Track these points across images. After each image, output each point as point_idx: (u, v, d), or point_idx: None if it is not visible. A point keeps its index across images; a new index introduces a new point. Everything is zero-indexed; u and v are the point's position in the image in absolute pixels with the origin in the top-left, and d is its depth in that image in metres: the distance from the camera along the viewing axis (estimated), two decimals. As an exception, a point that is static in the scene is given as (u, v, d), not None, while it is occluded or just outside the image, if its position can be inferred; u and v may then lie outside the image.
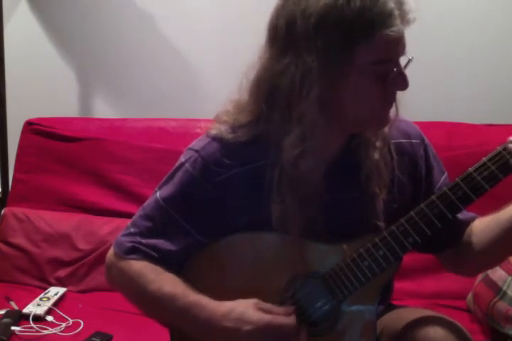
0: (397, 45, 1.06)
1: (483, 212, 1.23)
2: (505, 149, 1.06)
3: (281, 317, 1.10)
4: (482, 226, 1.20)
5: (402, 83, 1.08)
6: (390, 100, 1.11)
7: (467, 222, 1.23)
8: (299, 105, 1.07)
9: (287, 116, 1.09)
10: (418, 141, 1.24)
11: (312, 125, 1.07)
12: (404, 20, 1.05)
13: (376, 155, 1.17)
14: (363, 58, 1.04)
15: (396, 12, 1.03)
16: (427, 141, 1.26)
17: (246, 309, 1.10)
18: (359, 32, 1.03)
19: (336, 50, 1.03)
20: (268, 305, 1.11)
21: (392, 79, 1.07)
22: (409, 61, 1.09)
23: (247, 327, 1.09)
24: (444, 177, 1.26)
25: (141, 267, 1.17)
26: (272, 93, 1.10)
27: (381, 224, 1.17)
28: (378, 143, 1.17)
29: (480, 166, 1.08)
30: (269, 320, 1.09)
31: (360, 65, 1.04)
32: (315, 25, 1.03)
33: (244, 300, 1.12)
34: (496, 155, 1.07)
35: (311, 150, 1.09)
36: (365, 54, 1.04)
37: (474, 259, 1.22)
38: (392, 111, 1.14)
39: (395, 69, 1.07)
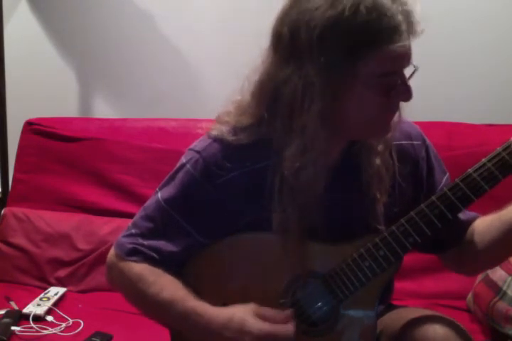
0: (403, 58, 1.05)
1: (483, 212, 1.23)
2: (504, 150, 1.06)
3: (281, 326, 1.10)
4: (484, 225, 1.20)
5: (406, 94, 1.07)
6: (393, 110, 1.11)
7: (469, 222, 1.23)
8: (300, 117, 1.06)
9: (288, 127, 1.08)
10: (419, 142, 1.24)
11: (314, 137, 1.06)
12: (412, 32, 1.03)
13: (378, 161, 1.16)
14: (368, 71, 1.03)
15: (403, 26, 1.01)
16: (428, 141, 1.25)
17: (245, 317, 1.10)
18: (364, 46, 1.01)
19: (339, 63, 1.02)
20: (266, 311, 1.11)
21: (396, 91, 1.06)
22: (414, 71, 1.08)
23: (248, 338, 1.09)
24: (445, 177, 1.25)
25: (141, 270, 1.17)
26: (274, 99, 1.09)
27: (381, 227, 1.16)
28: (380, 147, 1.16)
29: (480, 167, 1.08)
30: (268, 331, 1.09)
31: (364, 78, 1.03)
32: (319, 38, 1.01)
33: (242, 305, 1.12)
34: (495, 156, 1.07)
35: (312, 161, 1.08)
36: (370, 67, 1.02)
37: (477, 259, 1.22)
38: (395, 115, 1.13)
39: (399, 81, 1.06)
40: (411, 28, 1.03)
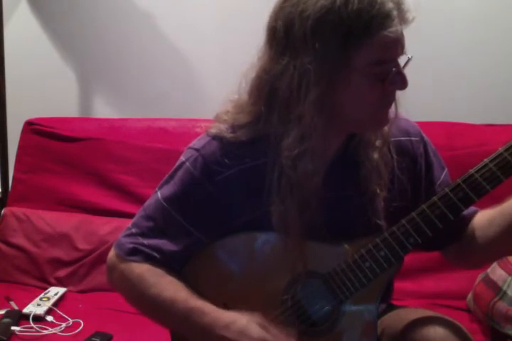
0: (396, 45, 1.06)
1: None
2: (506, 150, 1.06)
3: (282, 338, 1.10)
4: (485, 219, 1.20)
5: (401, 83, 1.08)
6: (389, 100, 1.11)
7: (469, 218, 1.23)
8: (297, 107, 1.07)
9: (286, 118, 1.09)
10: (417, 138, 1.24)
11: (311, 126, 1.07)
12: (403, 20, 1.04)
13: (376, 156, 1.17)
14: (362, 60, 1.04)
15: (394, 12, 1.03)
16: (426, 138, 1.26)
17: (249, 323, 1.10)
18: (357, 34, 1.02)
19: (333, 52, 1.03)
20: (271, 327, 1.11)
21: (391, 79, 1.06)
22: (408, 60, 1.09)
23: None
24: (444, 173, 1.26)
25: (142, 271, 1.16)
26: (271, 94, 1.10)
27: (382, 222, 1.17)
28: (378, 142, 1.17)
29: (481, 167, 1.08)
30: (268, 340, 1.09)
31: (358, 67, 1.04)
32: (312, 28, 1.03)
33: (248, 314, 1.12)
34: (497, 157, 1.07)
35: (309, 151, 1.08)
36: (364, 55, 1.03)
37: (480, 253, 1.22)
38: (392, 110, 1.14)
39: (393, 69, 1.06)
40: (402, 15, 1.04)
